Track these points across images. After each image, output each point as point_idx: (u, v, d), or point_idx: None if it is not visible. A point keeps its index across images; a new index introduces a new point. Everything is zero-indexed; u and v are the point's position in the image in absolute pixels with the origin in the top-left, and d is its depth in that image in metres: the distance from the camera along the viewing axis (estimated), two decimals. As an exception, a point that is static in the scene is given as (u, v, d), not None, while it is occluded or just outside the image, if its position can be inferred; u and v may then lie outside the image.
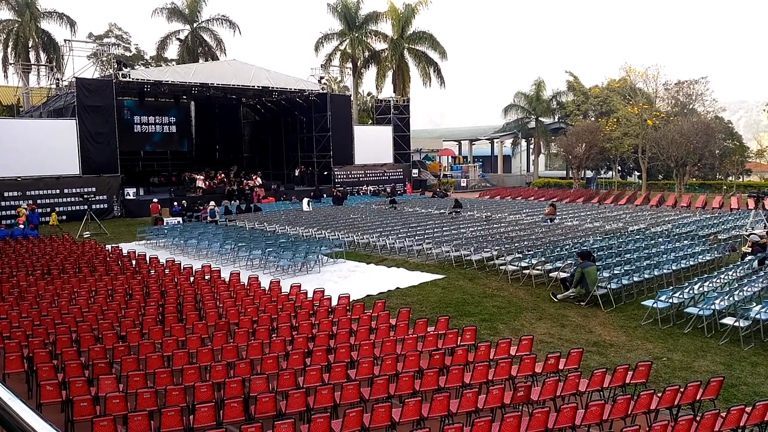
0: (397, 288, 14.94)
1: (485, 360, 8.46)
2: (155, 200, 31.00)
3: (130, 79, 33.39)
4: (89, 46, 40.06)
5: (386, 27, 52.62)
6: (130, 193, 34.54)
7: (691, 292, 12.06)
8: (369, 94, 62.38)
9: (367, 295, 14.06)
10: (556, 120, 54.00)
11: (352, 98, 48.99)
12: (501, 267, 16.18)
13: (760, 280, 12.73)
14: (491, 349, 8.93)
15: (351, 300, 12.03)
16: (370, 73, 54.89)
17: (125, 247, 20.02)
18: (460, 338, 9.58)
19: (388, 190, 43.68)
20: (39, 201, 29.71)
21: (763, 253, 15.56)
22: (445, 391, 7.45)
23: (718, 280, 13.06)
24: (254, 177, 40.69)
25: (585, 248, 15.79)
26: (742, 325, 10.37)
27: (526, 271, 15.28)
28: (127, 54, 54.38)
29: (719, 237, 20.02)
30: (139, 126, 42.07)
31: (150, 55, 55.98)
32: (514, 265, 15.73)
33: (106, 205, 31.81)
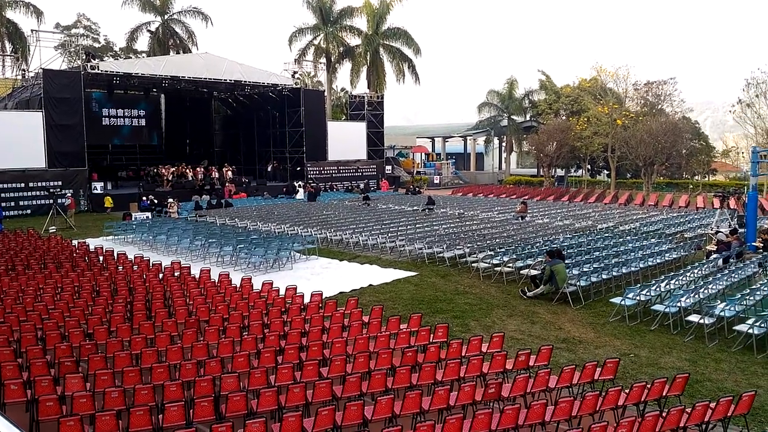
0: (370, 285, 14.94)
1: (457, 357, 8.50)
2: (69, 194, 28.99)
3: (99, 71, 32.75)
4: (56, 37, 39.15)
5: (361, 22, 52.55)
6: (98, 187, 33.90)
7: (657, 289, 12.29)
8: (343, 89, 62.21)
9: (340, 293, 14.03)
10: (528, 118, 54.50)
11: (325, 93, 48.77)
12: (473, 264, 16.29)
13: (725, 278, 13.04)
14: (463, 346, 8.99)
15: (323, 297, 11.99)
16: (345, 69, 54.79)
17: (92, 243, 19.64)
18: (432, 335, 9.62)
19: (362, 186, 43.65)
20: (3, 195, 28.94)
21: (727, 252, 15.95)
22: (417, 388, 7.47)
23: (684, 278, 13.34)
24: (226, 168, 40.31)
25: (555, 246, 16.00)
26: (706, 322, 10.62)
27: (498, 269, 15.41)
28: (96, 45, 53.29)
29: (685, 236, 20.46)
30: (107, 119, 41.24)
31: (119, 46, 54.93)
32: (486, 263, 15.85)
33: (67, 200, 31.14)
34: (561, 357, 9.77)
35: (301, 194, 38.38)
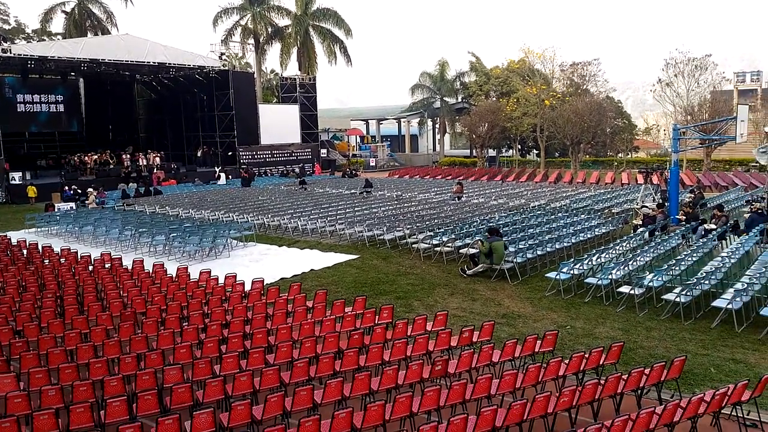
0: (312, 270, 14.84)
1: (403, 337, 8.58)
2: None
3: (11, 55, 30.82)
4: (-39, 17, 36.47)
5: (289, 2, 51.90)
6: (16, 177, 32.08)
7: (590, 263, 12.79)
8: (273, 71, 61.07)
9: (282, 279, 13.88)
10: (460, 100, 55.19)
11: (255, 76, 47.73)
12: (413, 245, 16.45)
13: (651, 250, 13.69)
14: (408, 326, 9.08)
15: (265, 284, 11.83)
16: (274, 50, 53.87)
17: (14, 236, 18.60)
18: (377, 317, 9.67)
19: (297, 170, 43.15)
20: None
21: (653, 225, 16.74)
22: (365, 370, 7.50)
23: (614, 252, 13.93)
24: (153, 154, 38.89)
25: (491, 224, 16.35)
26: (636, 292, 11.13)
27: (438, 249, 15.62)
28: (6, 27, 50.07)
29: (613, 211, 21.34)
30: (22, 105, 38.95)
31: (33, 28, 51.85)
32: (426, 243, 16.03)
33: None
34: (502, 332, 10.03)
35: (223, 179, 37.37)
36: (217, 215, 22.28)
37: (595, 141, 41.36)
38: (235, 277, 11.96)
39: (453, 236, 16.01)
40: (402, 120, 65.29)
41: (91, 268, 13.45)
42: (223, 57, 41.57)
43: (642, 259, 12.95)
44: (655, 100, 41.00)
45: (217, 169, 38.95)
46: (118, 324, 9.10)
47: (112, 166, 37.00)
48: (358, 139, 62.53)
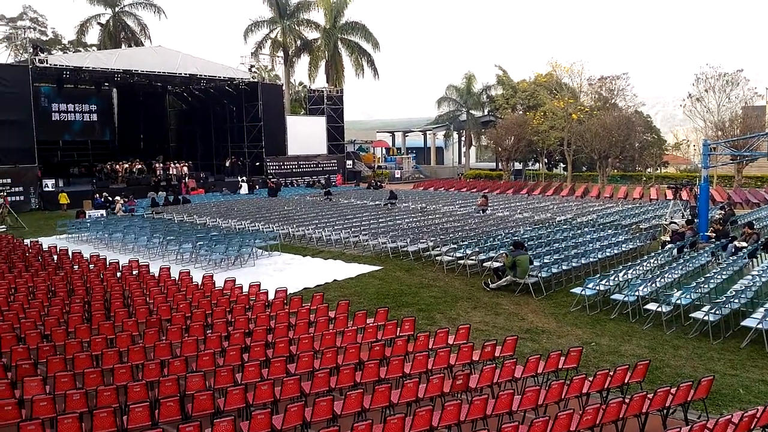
0: (335, 280, 14.88)
1: (424, 350, 8.55)
2: (4, 193, 27.21)
3: (48, 65, 31.69)
4: (1, 29, 37.65)
5: (318, 16, 52.21)
6: (49, 184, 32.83)
7: (616, 279, 12.60)
8: (301, 83, 61.69)
9: (305, 288, 13.94)
10: (486, 113, 55.04)
11: (284, 88, 48.30)
12: (437, 258, 16.39)
13: (680, 267, 13.44)
14: (430, 339, 9.03)
15: (288, 293, 11.89)
16: (303, 63, 54.33)
17: (45, 242, 19.02)
18: (399, 329, 9.65)
19: (323, 181, 43.41)
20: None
21: (681, 242, 16.45)
22: (386, 382, 7.47)
23: (641, 268, 13.71)
24: (181, 164, 39.49)
25: (516, 238, 16.24)
26: (664, 310, 10.93)
27: (461, 262, 15.55)
28: (44, 38, 51.49)
29: (641, 226, 21.02)
30: (57, 114, 40.00)
31: (69, 39, 53.27)
32: (449, 256, 15.97)
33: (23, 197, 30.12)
34: (525, 347, 9.92)
35: (245, 189, 37.83)
36: (243, 224, 22.51)
37: (624, 155, 40.89)
38: (259, 286, 12.04)
39: (477, 249, 15.92)
40: (428, 132, 65.34)
41: (119, 274, 13.66)
42: (253, 69, 42.14)
43: (670, 276, 12.71)
44: (685, 115, 40.45)
45: (239, 179, 39.41)
46: (143, 330, 9.23)
47: (144, 175, 37.65)
48: (384, 151, 62.75)
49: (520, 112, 49.49)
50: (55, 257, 15.92)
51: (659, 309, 10.97)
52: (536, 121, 44.26)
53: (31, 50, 32.24)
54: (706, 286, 11.43)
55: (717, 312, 10.32)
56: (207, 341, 8.75)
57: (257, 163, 41.96)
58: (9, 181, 29.43)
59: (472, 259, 15.54)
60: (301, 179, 44.19)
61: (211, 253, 17.15)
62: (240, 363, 8.07)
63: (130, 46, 47.53)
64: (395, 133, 69.39)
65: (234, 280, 12.52)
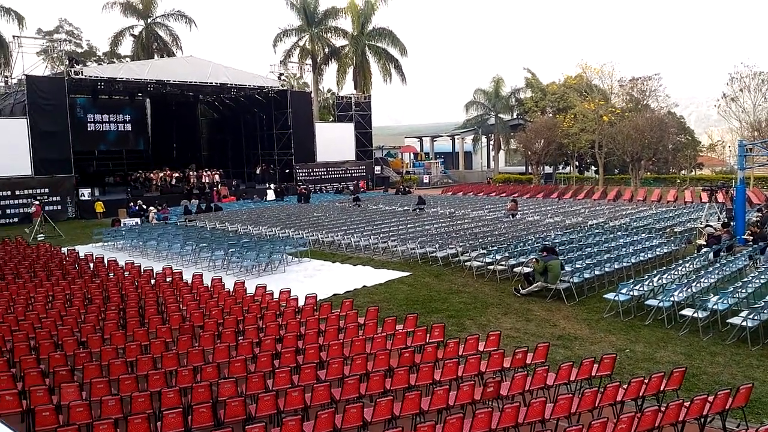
0: (364, 286, 14.91)
1: (454, 357, 8.50)
2: (36, 202, 27.41)
3: (83, 77, 32.49)
4: (39, 43, 38.80)
5: (346, 23, 52.51)
6: (85, 193, 33.61)
7: (650, 284, 12.36)
8: (329, 90, 62.11)
9: (334, 294, 13.99)
10: (515, 116, 54.67)
11: (312, 95, 48.67)
12: (466, 263, 16.30)
13: (716, 271, 13.13)
14: (460, 345, 8.97)
15: (318, 300, 11.95)
16: (331, 70, 54.67)
17: (81, 250, 19.45)
18: (428, 335, 9.61)
19: (352, 187, 43.59)
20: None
21: (718, 245, 16.07)
22: (416, 389, 7.45)
23: (676, 273, 13.42)
24: (213, 172, 40.09)
25: (547, 243, 16.05)
26: (700, 315, 10.67)
27: (491, 267, 15.43)
28: (79, 50, 52.84)
29: (675, 230, 20.60)
30: (92, 125, 40.95)
31: (103, 51, 54.55)
32: (479, 261, 15.87)
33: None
34: (557, 354, 9.79)
35: (270, 195, 38.26)
36: (273, 231, 22.71)
37: (657, 157, 40.18)
38: (289, 292, 12.12)
39: (507, 254, 15.79)
40: (456, 137, 65.13)
41: (153, 281, 13.90)
42: (282, 77, 42.61)
43: (706, 280, 12.42)
44: (719, 115, 39.54)
45: (265, 186, 39.83)
46: (177, 337, 9.36)
47: (178, 183, 38.31)
48: (412, 156, 62.72)
49: (550, 115, 49.02)
50: (92, 265, 16.27)
51: (695, 315, 10.71)
52: (566, 124, 43.77)
53: (67, 62, 33.12)
54: (743, 290, 11.13)
55: (755, 317, 10.05)
56: (239, 347, 8.84)
57: (287, 170, 42.38)
58: (47, 190, 30.21)
59: (502, 265, 15.41)
60: (330, 185, 44.45)
61: (243, 259, 17.35)
62: (271, 369, 8.12)
63: (162, 56, 48.46)
64: (423, 139, 69.34)
65: (265, 287, 12.63)
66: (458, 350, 8.84)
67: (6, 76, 37.14)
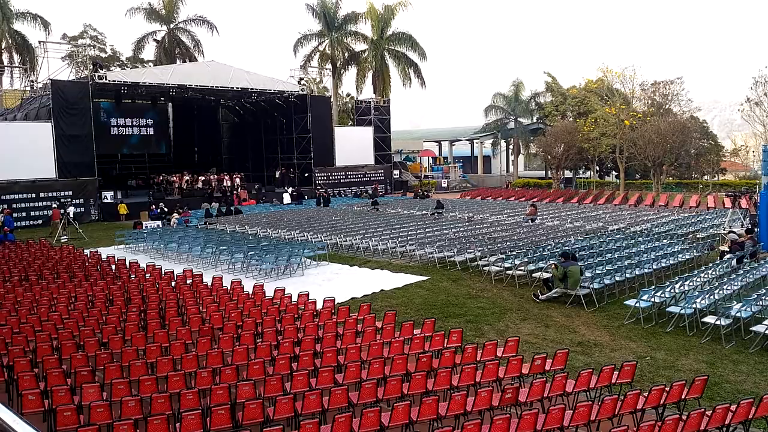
0: (382, 290, 14.91)
1: (472, 362, 8.46)
2: (55, 206, 27.76)
3: (107, 81, 32.99)
4: (64, 48, 39.39)
5: (366, 28, 52.68)
6: (108, 196, 34.08)
7: (672, 291, 12.20)
8: (349, 95, 62.31)
9: (352, 298, 14.01)
10: (535, 120, 54.35)
11: (331, 99, 48.88)
12: (484, 268, 16.23)
13: (740, 278, 12.92)
14: (478, 350, 8.94)
15: (336, 303, 11.98)
16: (350, 74, 54.90)
17: (104, 252, 19.73)
18: (446, 340, 9.59)
19: (370, 191, 43.67)
20: (15, 205, 29.11)
21: (741, 252, 15.81)
22: (433, 394, 7.43)
23: (699, 279, 13.23)
24: (233, 175, 40.45)
25: (567, 248, 15.92)
26: (723, 323, 10.51)
27: (510, 272, 15.35)
28: (103, 55, 53.62)
29: (698, 236, 20.31)
30: (115, 128, 41.57)
31: (126, 56, 55.29)
32: (498, 266, 15.79)
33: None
34: (577, 361, 9.70)
35: (287, 198, 38.46)
36: (292, 234, 22.83)
37: (679, 162, 39.68)
38: (307, 295, 12.18)
39: (526, 259, 15.69)
40: (475, 141, 64.96)
41: (173, 283, 14.05)
42: (302, 82, 42.87)
43: (729, 287, 12.23)
44: (743, 119, 38.97)
45: (284, 189, 40.05)
46: (197, 339, 9.45)
47: (200, 186, 38.68)
48: (431, 161, 62.68)
49: (570, 119, 48.67)
50: (114, 267, 16.49)
51: (718, 322, 10.56)
52: (587, 128, 43.41)
53: (91, 67, 33.64)
54: (767, 298, 10.94)
55: (780, 326, 9.87)
56: (257, 350, 8.90)
57: (306, 174, 42.60)
58: (70, 193, 30.69)
59: (520, 270, 15.32)
60: (349, 189, 44.58)
61: (262, 262, 17.46)
62: (289, 372, 8.16)
63: (184, 61, 49.00)
64: (442, 143, 69.28)
65: (283, 290, 12.70)
66: (476, 356, 8.81)
67: (32, 81, 37.87)
